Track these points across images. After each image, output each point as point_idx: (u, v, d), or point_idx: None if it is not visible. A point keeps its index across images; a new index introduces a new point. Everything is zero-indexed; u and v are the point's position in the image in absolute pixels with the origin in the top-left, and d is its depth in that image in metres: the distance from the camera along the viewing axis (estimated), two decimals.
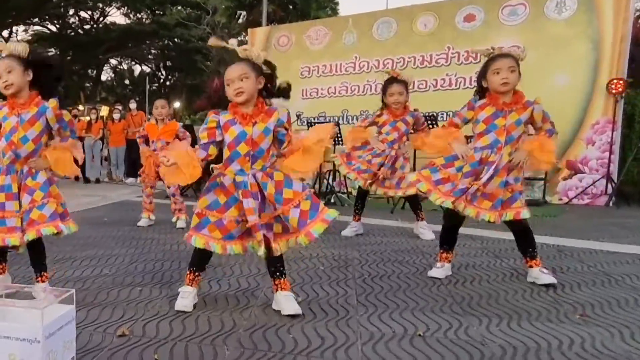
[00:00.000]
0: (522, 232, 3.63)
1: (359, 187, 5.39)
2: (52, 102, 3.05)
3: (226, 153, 2.93)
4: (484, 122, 3.54)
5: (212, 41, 3.05)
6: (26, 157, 3.02)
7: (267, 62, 2.93)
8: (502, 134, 3.49)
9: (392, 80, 5.05)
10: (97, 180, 12.23)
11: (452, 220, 3.76)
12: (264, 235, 2.84)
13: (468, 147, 3.62)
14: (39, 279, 3.18)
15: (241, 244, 2.96)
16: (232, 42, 2.97)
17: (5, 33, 31.93)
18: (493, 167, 3.44)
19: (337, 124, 8.60)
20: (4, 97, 3.11)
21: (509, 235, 3.85)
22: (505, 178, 3.47)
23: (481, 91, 3.61)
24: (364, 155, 5.17)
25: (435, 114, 8.16)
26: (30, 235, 2.96)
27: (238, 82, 2.84)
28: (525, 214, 3.53)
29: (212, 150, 2.94)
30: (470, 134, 3.81)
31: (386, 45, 9.80)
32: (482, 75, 3.55)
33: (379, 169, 5.06)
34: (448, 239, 3.85)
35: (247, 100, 2.87)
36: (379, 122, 5.17)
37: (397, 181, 5.10)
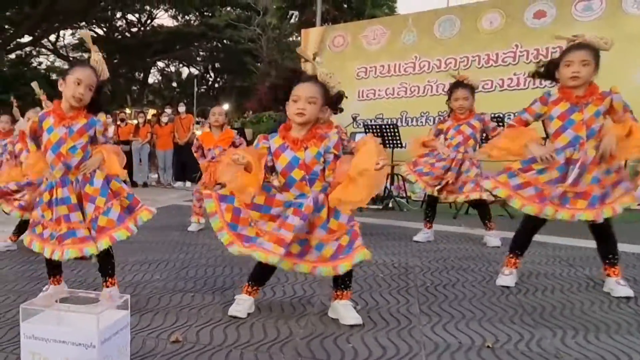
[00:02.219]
0: (603, 233, 3.51)
1: (428, 195, 5.40)
2: (103, 116, 3.21)
3: (281, 180, 2.97)
4: (559, 119, 3.44)
5: (300, 50, 3.21)
6: (76, 166, 3.11)
7: (340, 96, 3.00)
8: (581, 129, 3.39)
9: (457, 84, 5.06)
10: (145, 185, 12.54)
11: (531, 223, 3.65)
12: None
13: (548, 148, 3.50)
14: (106, 283, 3.27)
15: (233, 240, 2.92)
16: (318, 61, 3.09)
17: (52, 37, 33.17)
18: (578, 165, 3.35)
19: (396, 126, 8.58)
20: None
21: (583, 243, 3.76)
22: (594, 174, 3.36)
23: (547, 77, 3.52)
24: (429, 159, 5.20)
25: (501, 115, 8.02)
26: (104, 242, 3.05)
27: (304, 102, 2.88)
28: (623, 206, 3.38)
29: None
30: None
31: (448, 44, 9.75)
32: (555, 64, 3.46)
33: (446, 173, 5.05)
34: (522, 244, 3.76)
35: (304, 123, 2.92)
36: (444, 129, 5.20)
37: (460, 185, 5.05)
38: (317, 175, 2.92)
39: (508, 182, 3.55)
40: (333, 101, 3.02)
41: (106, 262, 3.24)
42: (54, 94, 3.27)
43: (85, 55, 34.74)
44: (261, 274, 3.14)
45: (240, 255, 2.92)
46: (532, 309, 3.22)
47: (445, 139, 5.17)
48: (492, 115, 6.40)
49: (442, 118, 5.25)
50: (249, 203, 2.91)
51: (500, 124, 7.48)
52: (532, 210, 3.45)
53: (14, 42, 28.69)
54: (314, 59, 3.19)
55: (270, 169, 2.99)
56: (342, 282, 3.02)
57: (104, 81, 3.22)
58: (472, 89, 5.03)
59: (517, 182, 3.53)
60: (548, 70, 3.53)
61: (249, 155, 2.84)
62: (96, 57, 3.19)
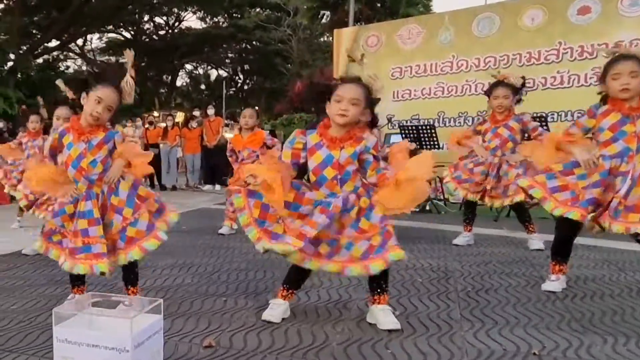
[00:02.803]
0: None
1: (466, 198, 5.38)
2: (121, 128, 3.30)
3: (312, 177, 2.99)
4: (610, 130, 3.39)
5: (349, 51, 3.21)
6: (99, 178, 3.16)
7: (377, 99, 3.01)
8: (632, 142, 3.33)
9: (498, 83, 5.03)
10: (174, 188, 12.65)
11: (566, 231, 3.61)
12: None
13: (593, 154, 3.44)
14: (129, 292, 3.30)
15: (261, 236, 2.93)
16: (366, 62, 3.16)
17: (79, 41, 33.82)
18: (629, 177, 3.28)
19: (433, 127, 8.53)
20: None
21: (634, 246, 3.67)
22: None
23: (604, 97, 3.47)
24: (467, 163, 5.18)
25: (544, 115, 7.90)
26: (135, 253, 3.11)
27: (347, 103, 2.88)
28: None
29: (294, 172, 3.00)
30: None
31: (487, 43, 9.66)
32: (602, 78, 3.42)
33: (485, 179, 5.03)
34: (561, 251, 3.71)
35: (345, 124, 2.93)
36: (482, 130, 5.17)
37: (502, 190, 5.01)
38: (349, 175, 2.93)
39: (545, 183, 3.51)
40: (373, 103, 3.01)
41: (130, 271, 3.28)
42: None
43: (112, 59, 35.46)
44: (296, 277, 3.14)
45: (264, 250, 2.92)
46: (581, 314, 3.15)
47: (484, 142, 5.14)
48: (534, 114, 6.31)
49: (481, 118, 5.20)
50: None
51: (544, 124, 7.37)
52: (560, 212, 3.42)
53: (42, 47, 29.32)
54: (362, 59, 3.20)
55: (301, 165, 3.00)
56: (378, 286, 3.00)
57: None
58: (513, 88, 4.98)
59: (554, 185, 3.49)
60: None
61: (266, 173, 2.85)
62: (130, 80, 3.23)
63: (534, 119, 5.39)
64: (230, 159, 6.16)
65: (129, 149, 3.27)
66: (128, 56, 3.33)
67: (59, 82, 4.39)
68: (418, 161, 2.91)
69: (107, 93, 3.12)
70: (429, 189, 3.15)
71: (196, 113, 13.39)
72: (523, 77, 5.07)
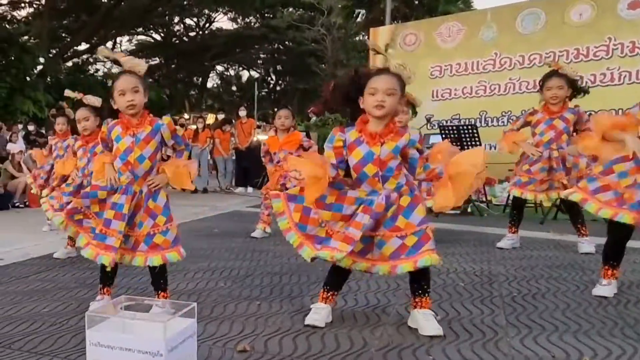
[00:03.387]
0: None
1: (515, 197, 5.29)
2: (167, 119, 3.31)
3: (353, 175, 2.96)
4: None
5: (371, 43, 3.21)
6: (143, 176, 3.22)
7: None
8: None
9: (552, 73, 4.93)
10: (205, 190, 12.73)
11: (618, 233, 3.51)
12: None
13: None
14: (159, 297, 3.32)
15: (303, 241, 2.95)
16: (390, 52, 3.05)
17: (109, 44, 34.41)
18: None
19: (475, 127, 8.47)
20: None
21: None
22: None
23: None
24: (522, 166, 5.09)
25: (593, 114, 7.76)
26: (156, 261, 3.19)
27: (382, 94, 2.86)
28: None
29: (342, 171, 3.00)
30: None
31: (532, 39, 9.62)
32: None
33: (550, 174, 4.93)
34: (613, 254, 3.61)
35: (384, 116, 2.90)
36: (532, 121, 5.07)
37: (576, 182, 4.88)
38: (392, 171, 2.89)
39: (587, 187, 3.44)
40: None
41: (160, 277, 3.32)
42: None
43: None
44: (335, 278, 3.12)
45: (309, 257, 2.90)
46: (635, 321, 3.07)
47: (534, 135, 5.03)
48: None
49: (532, 109, 5.09)
50: (320, 203, 2.91)
51: None
52: (607, 214, 3.33)
53: (71, 50, 29.94)
54: (386, 50, 3.18)
55: (345, 165, 2.98)
56: (419, 287, 2.97)
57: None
58: (568, 79, 4.87)
59: (595, 186, 3.41)
60: None
61: (310, 167, 2.86)
62: (123, 59, 3.26)
63: None
64: (264, 159, 6.16)
65: (177, 176, 3.34)
66: (101, 52, 3.42)
67: (68, 93, 4.65)
68: (469, 154, 2.90)
69: (122, 80, 3.19)
70: (481, 182, 3.12)
71: (242, 113, 13.30)
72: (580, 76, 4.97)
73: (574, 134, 4.94)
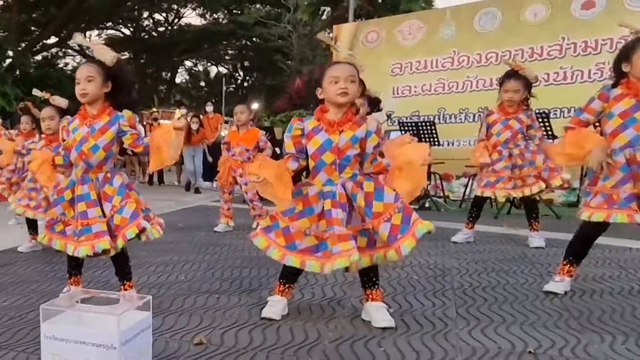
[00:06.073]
0: None
1: (476, 195, 5.33)
2: (128, 112, 3.19)
3: (311, 163, 2.96)
4: (620, 117, 3.25)
5: (321, 36, 3.25)
6: (98, 165, 3.15)
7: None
8: None
9: (511, 74, 4.92)
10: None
11: (593, 231, 3.45)
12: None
13: (604, 155, 3.27)
14: (124, 287, 3.28)
15: (301, 257, 2.92)
16: (338, 46, 3.21)
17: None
18: None
19: (433, 124, 8.52)
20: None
21: (635, 244, 3.63)
22: None
23: (617, 76, 3.31)
24: (487, 169, 5.10)
25: (546, 111, 7.88)
26: (120, 243, 3.08)
27: (344, 82, 2.86)
28: None
29: (304, 161, 3.00)
30: None
31: (489, 38, 9.70)
32: (625, 56, 3.25)
33: (515, 170, 4.95)
34: (579, 251, 3.56)
35: (348, 103, 2.91)
36: (490, 122, 5.10)
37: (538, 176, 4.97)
38: (349, 160, 2.89)
39: (587, 202, 3.39)
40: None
41: (122, 265, 3.27)
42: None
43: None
44: (289, 271, 3.10)
45: (322, 271, 2.89)
46: (579, 313, 3.13)
47: (491, 135, 5.06)
48: (537, 111, 6.29)
49: (488, 110, 5.12)
50: (292, 216, 2.92)
51: (546, 120, 7.35)
52: (601, 217, 3.28)
53: (40, 44, 29.35)
54: (335, 42, 3.22)
55: (305, 155, 2.99)
56: (368, 280, 2.99)
57: (123, 71, 3.24)
58: (526, 81, 4.88)
59: (589, 197, 3.39)
60: (618, 67, 3.30)
61: (268, 169, 2.86)
62: (94, 46, 3.22)
63: (536, 115, 5.36)
64: (222, 147, 6.35)
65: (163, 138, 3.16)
66: (75, 38, 3.40)
67: (36, 91, 4.58)
68: (412, 147, 2.92)
69: (79, 70, 3.16)
70: (425, 175, 3.15)
71: (195, 116, 13.02)
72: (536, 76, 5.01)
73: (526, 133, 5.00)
